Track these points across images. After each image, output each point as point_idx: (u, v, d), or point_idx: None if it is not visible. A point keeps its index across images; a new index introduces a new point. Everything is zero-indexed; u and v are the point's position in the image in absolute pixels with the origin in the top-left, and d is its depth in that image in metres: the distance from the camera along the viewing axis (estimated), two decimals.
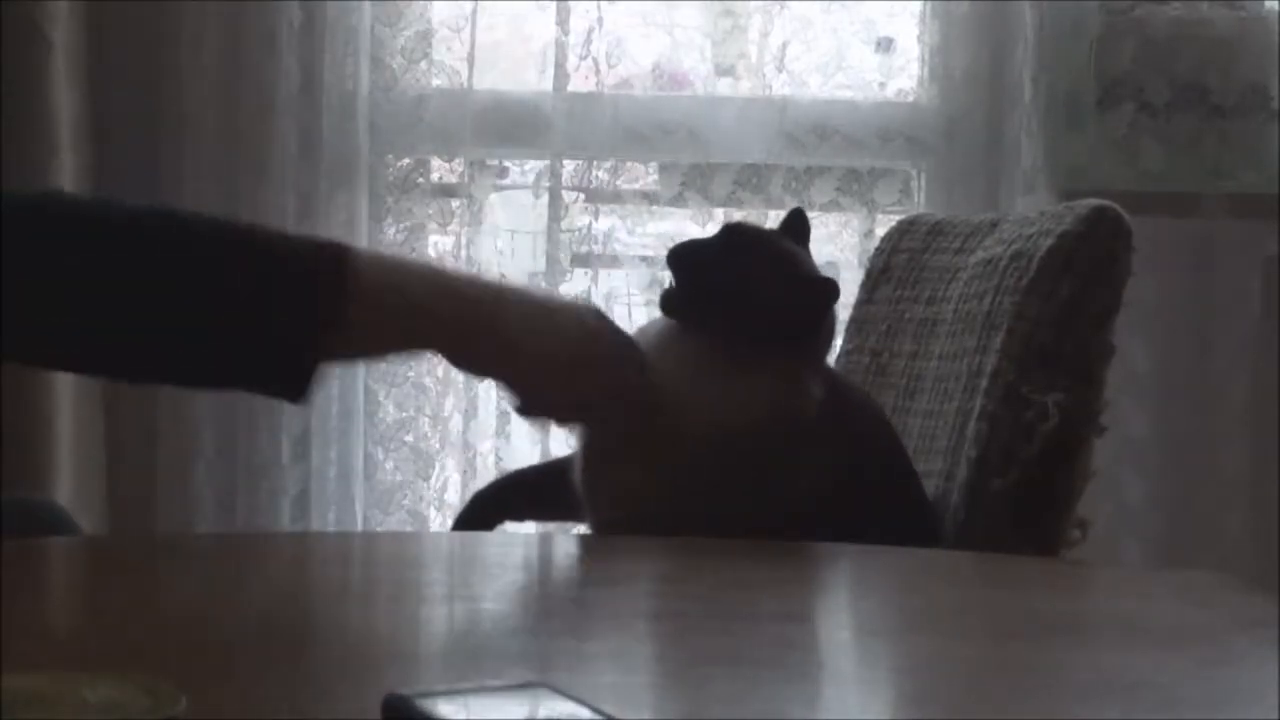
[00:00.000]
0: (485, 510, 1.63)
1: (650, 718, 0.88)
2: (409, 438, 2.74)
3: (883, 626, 1.19)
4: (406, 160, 2.75)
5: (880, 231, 2.49)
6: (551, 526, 2.10)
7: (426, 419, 2.75)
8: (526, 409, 1.47)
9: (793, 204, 2.77)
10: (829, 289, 1.55)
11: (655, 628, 1.09)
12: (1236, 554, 2.64)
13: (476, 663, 1.03)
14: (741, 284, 1.50)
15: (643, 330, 1.56)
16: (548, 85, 2.74)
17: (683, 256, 1.51)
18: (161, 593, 1.19)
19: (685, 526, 1.40)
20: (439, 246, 2.79)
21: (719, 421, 1.45)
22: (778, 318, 1.50)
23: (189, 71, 2.65)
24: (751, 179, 2.77)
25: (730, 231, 1.56)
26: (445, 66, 2.75)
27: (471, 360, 1.44)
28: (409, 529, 2.68)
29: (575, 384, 1.43)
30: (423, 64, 2.73)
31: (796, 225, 1.61)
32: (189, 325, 1.32)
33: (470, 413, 2.75)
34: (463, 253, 2.75)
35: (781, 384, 1.48)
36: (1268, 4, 2.72)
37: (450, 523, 2.75)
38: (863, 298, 2.02)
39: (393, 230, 2.73)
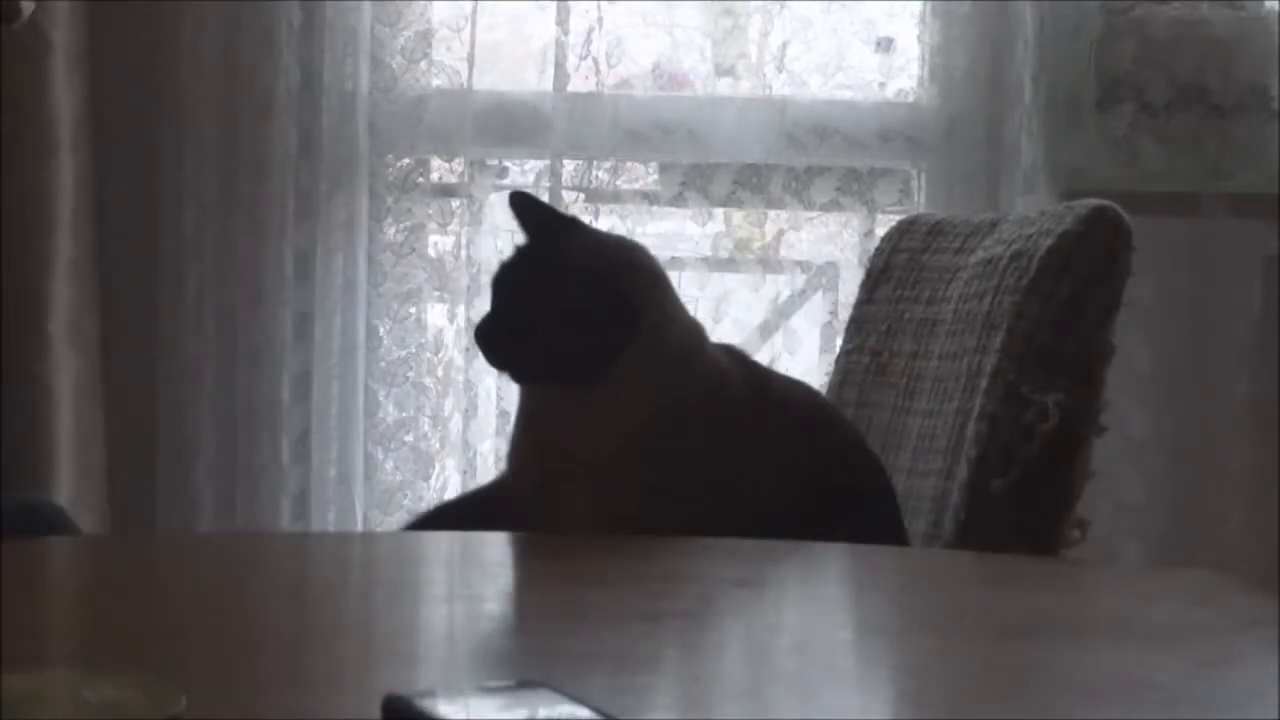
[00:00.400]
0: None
1: (650, 718, 0.88)
2: (409, 438, 2.74)
3: (883, 626, 1.19)
4: (406, 160, 2.75)
5: (880, 231, 2.49)
6: None
7: (426, 419, 2.75)
8: None
9: (793, 204, 2.79)
10: (590, 282, 1.48)
11: (655, 628, 1.09)
12: (1236, 554, 2.64)
13: (476, 663, 1.03)
14: (533, 338, 1.47)
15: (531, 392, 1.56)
16: (548, 85, 2.74)
17: (484, 347, 1.49)
18: (161, 593, 1.19)
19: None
20: (439, 246, 2.79)
21: (603, 453, 1.46)
22: (581, 341, 1.47)
23: (189, 71, 2.65)
24: (751, 179, 2.77)
25: (496, 286, 1.52)
26: (445, 66, 2.75)
27: None
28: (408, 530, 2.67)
29: None
30: (423, 64, 2.73)
31: (525, 213, 1.54)
32: None
33: (470, 413, 2.75)
34: (463, 253, 2.75)
35: (638, 394, 1.47)
36: (1268, 4, 2.72)
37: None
38: (863, 298, 2.02)
39: (393, 230, 2.73)
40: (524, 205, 1.54)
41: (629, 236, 1.57)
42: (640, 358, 1.48)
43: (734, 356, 1.61)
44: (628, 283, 1.50)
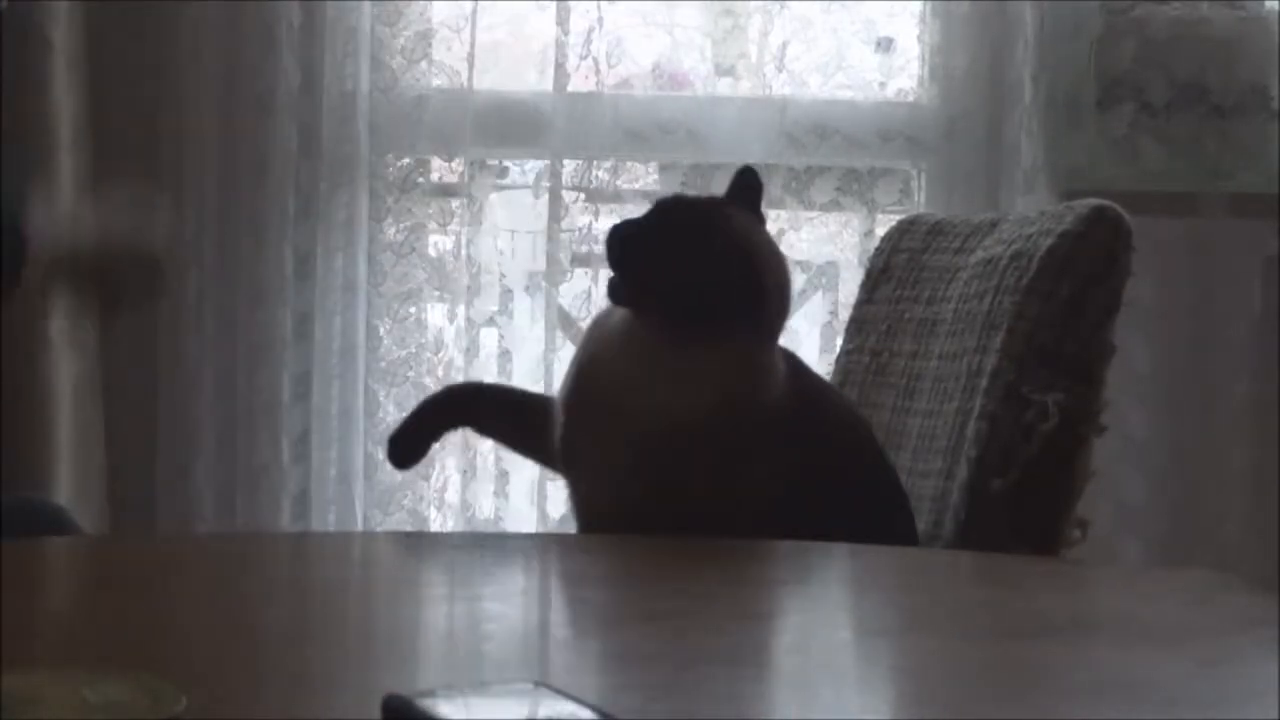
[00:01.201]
0: (436, 414, 1.60)
1: (650, 718, 0.88)
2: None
3: (883, 626, 1.19)
4: (406, 160, 2.75)
5: (880, 231, 2.49)
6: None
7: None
8: None
9: (793, 204, 2.78)
10: (746, 257, 1.48)
11: (655, 628, 1.09)
12: (1236, 554, 2.64)
13: (476, 663, 1.03)
14: (671, 265, 1.46)
15: (598, 322, 1.55)
16: (548, 85, 2.74)
17: (616, 241, 1.49)
18: (161, 593, 1.19)
19: (651, 522, 1.40)
20: (439, 246, 2.79)
21: (665, 416, 1.44)
22: (711, 295, 1.46)
23: (189, 71, 2.65)
24: None
25: (661, 209, 1.53)
26: (445, 66, 2.75)
27: None
28: (409, 529, 2.68)
29: None
30: (423, 64, 2.72)
31: (745, 186, 1.56)
32: None
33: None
34: (463, 253, 2.75)
35: (730, 371, 1.46)
36: (1268, 4, 2.72)
37: (450, 524, 2.76)
38: (863, 298, 2.02)
39: (393, 230, 2.73)
40: (747, 176, 1.56)
41: None
42: (740, 348, 1.47)
43: (789, 359, 1.57)
44: (773, 281, 1.50)
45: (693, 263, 1.47)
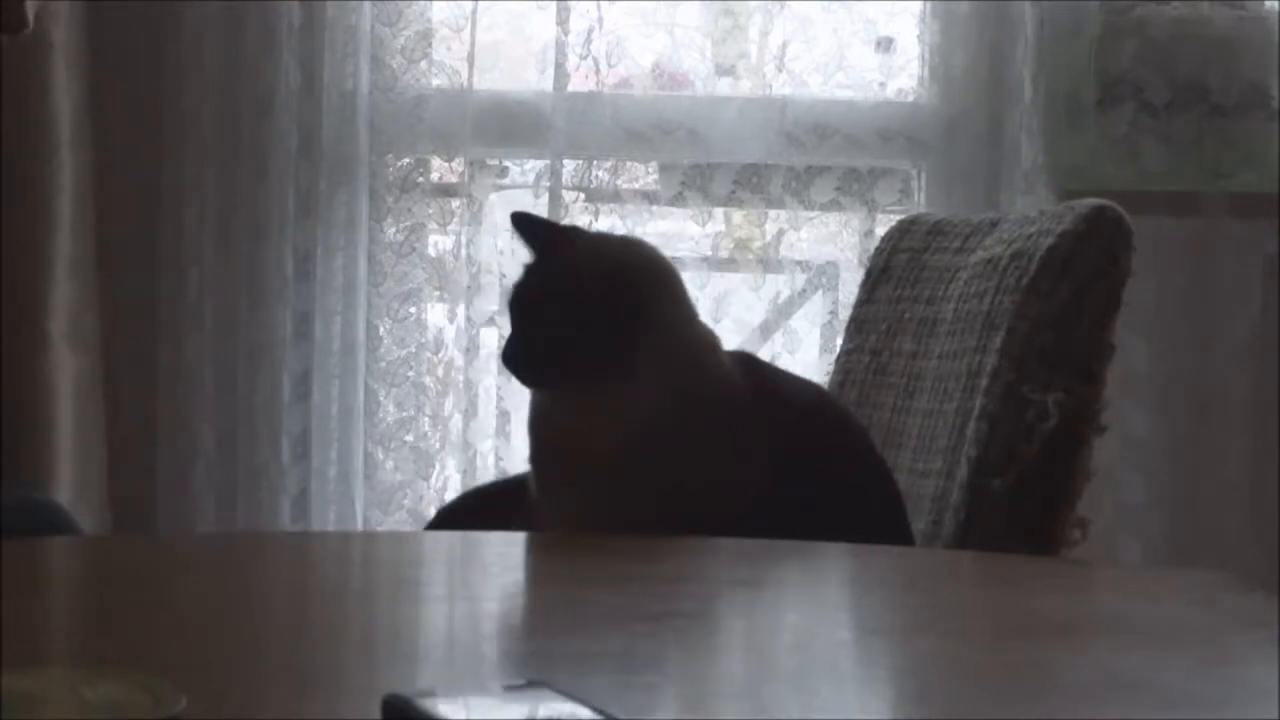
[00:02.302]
0: (452, 524, 1.67)
1: (650, 718, 0.88)
2: (409, 438, 2.74)
3: (883, 626, 1.19)
4: (406, 160, 2.75)
5: (880, 231, 2.49)
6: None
7: (426, 419, 2.75)
8: None
9: (793, 204, 2.78)
10: (606, 281, 1.50)
11: (655, 628, 1.09)
12: (1236, 554, 2.64)
13: (476, 663, 1.03)
14: (539, 347, 1.50)
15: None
16: (548, 85, 2.74)
17: (505, 360, 1.52)
18: (161, 593, 1.19)
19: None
20: (439, 246, 2.79)
21: (601, 447, 1.47)
22: (584, 341, 1.48)
23: (189, 71, 2.65)
24: (751, 179, 2.77)
25: (512, 305, 1.55)
26: (445, 66, 2.75)
27: None
28: (409, 529, 2.68)
29: None
30: (423, 64, 2.72)
31: (525, 227, 1.59)
32: None
33: (470, 413, 2.75)
34: (463, 252, 2.75)
35: (647, 382, 1.48)
36: (1268, 4, 2.72)
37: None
38: (863, 297, 2.02)
39: (393, 230, 2.73)
40: (525, 223, 1.57)
41: (637, 237, 1.58)
42: (651, 354, 1.48)
43: (744, 361, 1.61)
44: (636, 281, 1.51)
45: (558, 332, 1.49)
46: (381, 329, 2.73)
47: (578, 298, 1.49)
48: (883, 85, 2.83)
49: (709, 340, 1.57)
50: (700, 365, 1.53)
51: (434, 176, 2.79)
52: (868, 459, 1.61)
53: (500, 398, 2.74)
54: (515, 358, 1.50)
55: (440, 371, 2.76)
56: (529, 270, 1.56)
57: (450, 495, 2.77)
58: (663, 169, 2.83)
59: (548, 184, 2.75)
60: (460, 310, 2.74)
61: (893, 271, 1.97)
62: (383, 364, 2.73)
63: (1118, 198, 1.73)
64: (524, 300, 1.53)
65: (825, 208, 2.81)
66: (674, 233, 2.82)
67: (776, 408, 1.55)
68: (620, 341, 1.48)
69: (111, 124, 2.66)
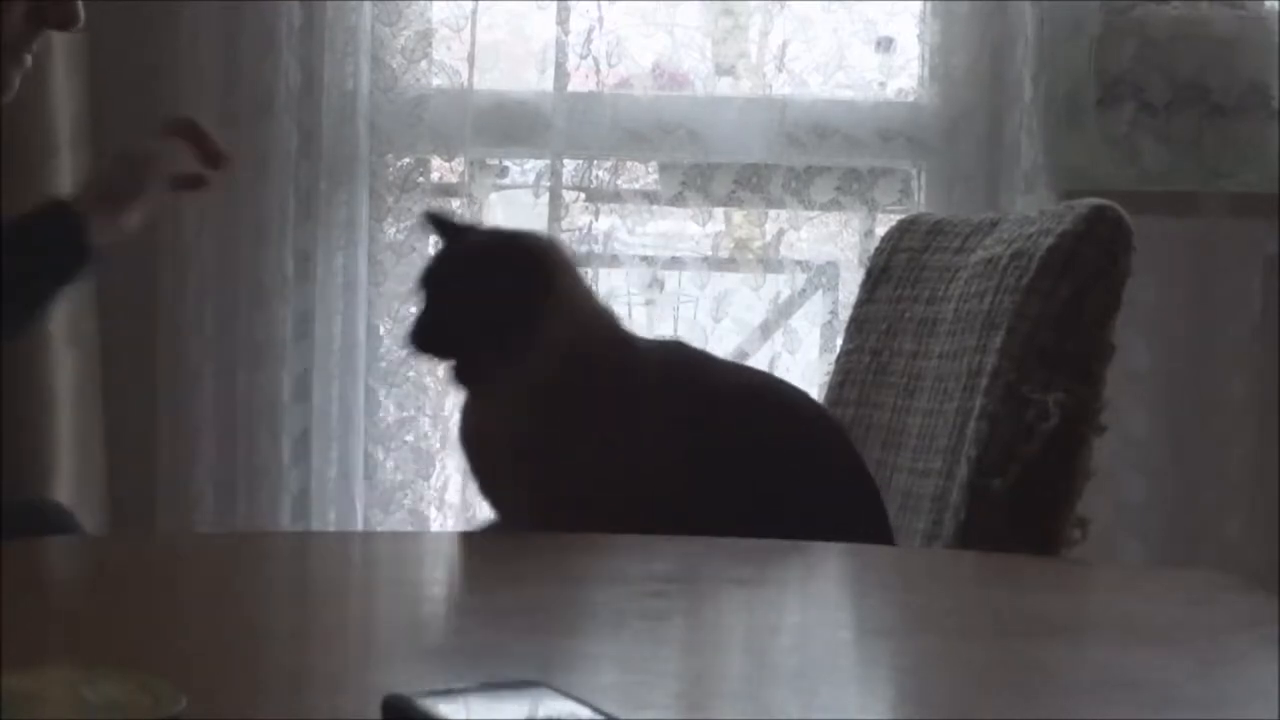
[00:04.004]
0: None
1: (650, 718, 0.88)
2: (409, 437, 2.74)
3: (883, 626, 1.19)
4: (406, 160, 2.75)
5: (880, 231, 2.49)
6: None
7: (426, 419, 2.75)
8: None
9: (793, 204, 2.78)
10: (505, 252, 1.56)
11: (655, 628, 1.09)
12: (1236, 554, 2.64)
13: (476, 663, 1.03)
14: (437, 327, 1.56)
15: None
16: (548, 85, 2.74)
17: (408, 341, 1.58)
18: (161, 593, 1.19)
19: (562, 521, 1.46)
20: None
21: (497, 437, 1.54)
22: (473, 321, 1.54)
23: (189, 71, 2.65)
24: (751, 179, 2.77)
25: (418, 284, 1.60)
26: (445, 66, 2.75)
27: None
28: (409, 529, 2.68)
29: None
30: (423, 64, 2.72)
31: (440, 228, 1.65)
32: None
33: None
34: None
35: (538, 361, 1.52)
36: (1268, 4, 2.72)
37: (450, 524, 2.76)
38: (863, 297, 2.02)
39: (393, 230, 2.73)
40: (433, 219, 1.65)
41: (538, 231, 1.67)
42: (551, 323, 1.53)
43: (671, 347, 1.65)
44: (534, 255, 1.56)
45: (446, 313, 1.56)
46: (381, 329, 2.73)
47: (479, 272, 1.54)
48: (883, 85, 2.83)
49: (609, 317, 1.61)
50: (599, 333, 1.57)
51: (434, 176, 2.79)
52: (817, 444, 1.60)
53: None
54: (419, 334, 1.55)
55: (440, 371, 2.75)
56: (434, 255, 1.63)
57: (450, 495, 2.77)
58: (663, 169, 2.82)
59: (548, 184, 2.75)
60: None
61: (893, 271, 1.97)
62: (383, 364, 2.73)
63: (1118, 198, 1.73)
64: (429, 279, 1.59)
65: (825, 208, 2.81)
66: (674, 233, 2.82)
67: (699, 390, 1.56)
68: (520, 310, 1.53)
69: (111, 124, 2.66)
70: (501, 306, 1.52)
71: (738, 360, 2.77)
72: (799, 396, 1.68)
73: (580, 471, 1.50)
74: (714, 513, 1.45)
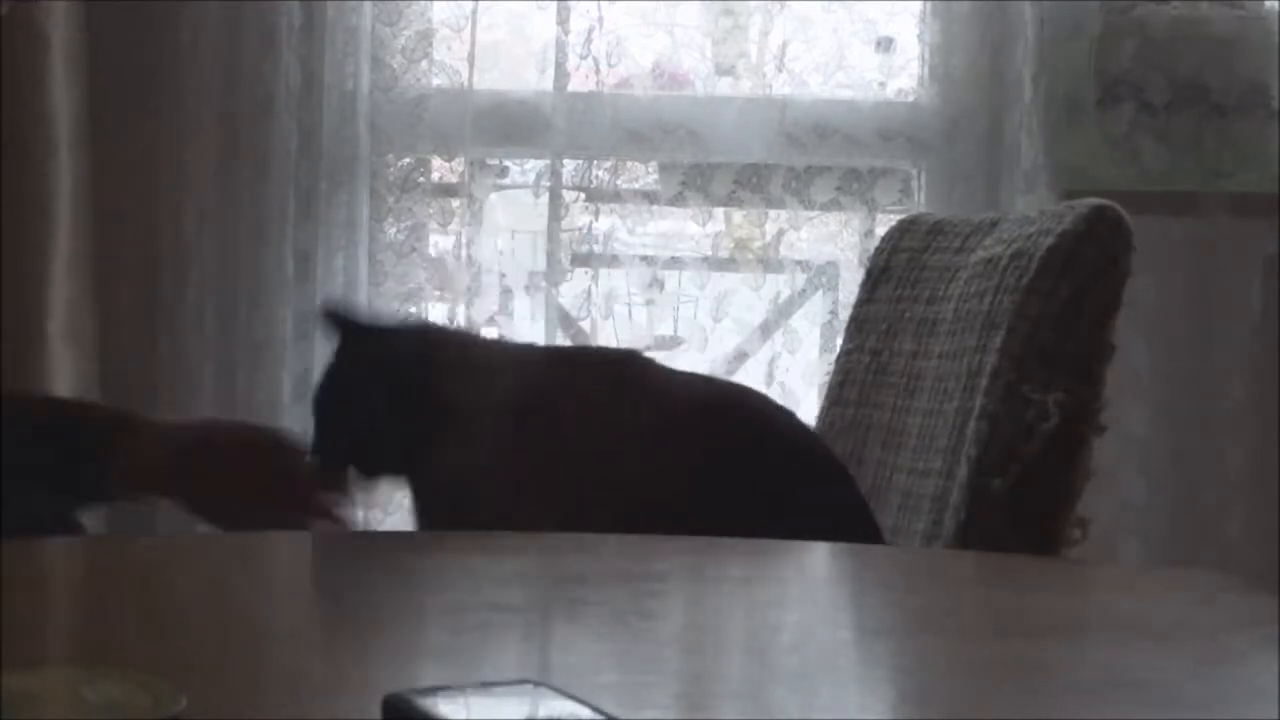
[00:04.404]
0: None
1: (650, 718, 0.88)
2: None
3: (883, 626, 1.19)
4: (406, 160, 2.75)
5: (880, 231, 2.49)
6: None
7: None
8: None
9: (793, 204, 2.78)
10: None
11: (655, 628, 1.09)
12: (1236, 554, 2.64)
13: (476, 663, 1.03)
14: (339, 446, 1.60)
15: None
16: (548, 85, 2.74)
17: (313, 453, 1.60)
18: (161, 593, 1.19)
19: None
20: (439, 246, 2.79)
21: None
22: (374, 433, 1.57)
23: (189, 71, 2.65)
24: (751, 179, 2.77)
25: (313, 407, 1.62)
26: (445, 66, 2.75)
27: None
28: (409, 529, 2.67)
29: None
30: (423, 64, 2.73)
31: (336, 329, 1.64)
32: None
33: None
34: (463, 252, 2.75)
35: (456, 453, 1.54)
36: (1268, 4, 2.72)
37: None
38: (863, 297, 2.02)
39: (393, 230, 2.73)
40: (329, 319, 1.65)
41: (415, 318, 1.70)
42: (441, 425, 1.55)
43: (623, 359, 1.66)
44: (400, 380, 1.57)
45: (346, 439, 1.60)
46: None
47: (360, 393, 1.57)
48: (883, 85, 2.83)
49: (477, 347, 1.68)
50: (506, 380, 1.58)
51: (434, 176, 2.79)
52: (756, 436, 1.61)
53: None
54: (319, 453, 1.59)
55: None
56: (325, 371, 1.64)
57: None
58: (663, 169, 2.83)
59: (548, 184, 2.75)
60: (460, 310, 2.74)
61: (893, 271, 1.97)
62: None
63: (1118, 198, 1.73)
64: (317, 402, 1.62)
65: (825, 208, 2.81)
66: (674, 233, 2.82)
67: (649, 402, 1.56)
68: (405, 436, 1.56)
69: (111, 124, 2.66)
70: (387, 431, 1.55)
71: (738, 360, 2.77)
72: (771, 408, 1.69)
73: (558, 494, 1.51)
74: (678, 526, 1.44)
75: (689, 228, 2.81)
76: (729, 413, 1.60)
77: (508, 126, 2.75)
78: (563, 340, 2.72)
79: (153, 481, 1.66)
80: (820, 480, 1.59)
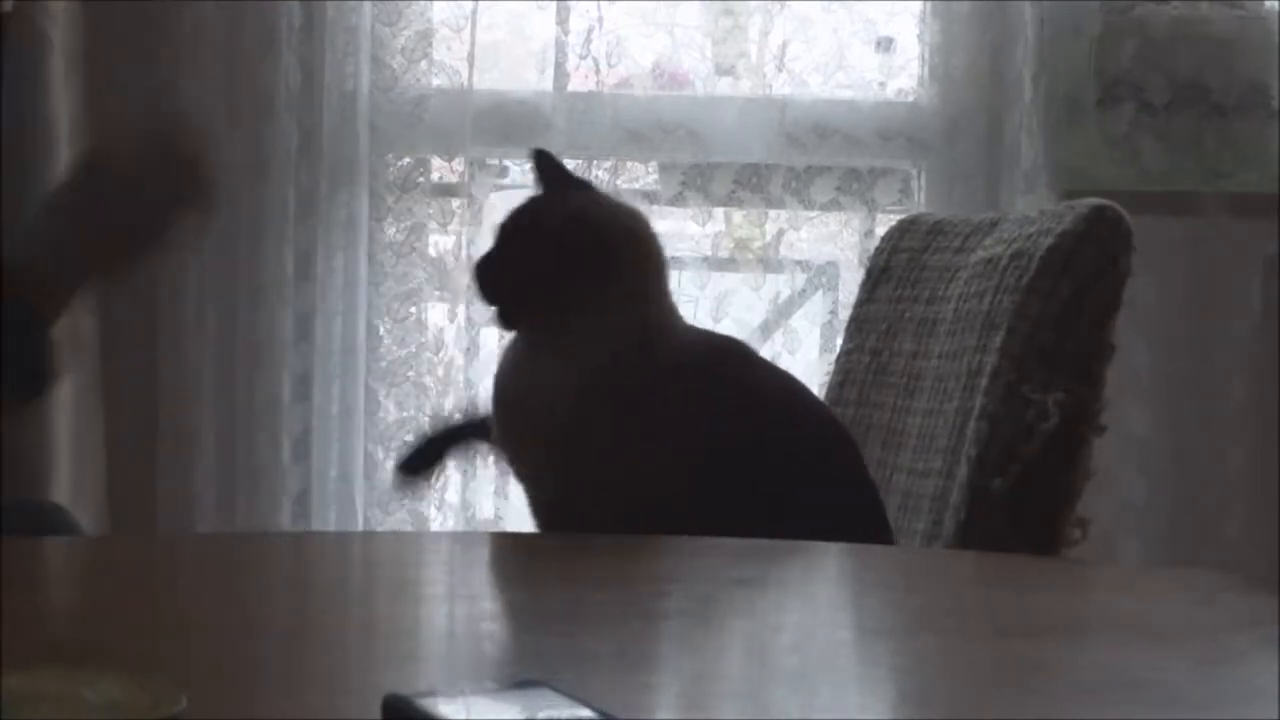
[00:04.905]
0: (431, 454, 1.72)
1: (650, 718, 0.88)
2: (409, 437, 2.74)
3: (883, 626, 1.19)
4: (406, 160, 2.75)
5: (880, 231, 2.49)
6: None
7: (426, 419, 2.75)
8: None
9: (793, 204, 2.79)
10: (579, 228, 1.53)
11: (655, 628, 1.09)
12: (1236, 554, 2.64)
13: (476, 663, 1.03)
14: (514, 272, 1.54)
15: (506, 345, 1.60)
16: (548, 85, 2.74)
17: (474, 278, 1.56)
18: (161, 593, 1.19)
19: (580, 506, 1.48)
20: (439, 246, 2.79)
21: (540, 407, 1.51)
22: (554, 278, 1.51)
23: (189, 71, 2.65)
24: (751, 179, 2.77)
25: (498, 228, 1.58)
26: (445, 66, 2.75)
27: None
28: (409, 529, 2.68)
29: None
30: (423, 64, 2.73)
31: (548, 168, 1.61)
32: None
33: (470, 412, 2.75)
34: (463, 252, 2.75)
35: (593, 345, 1.51)
36: (1268, 4, 2.72)
37: (450, 524, 2.76)
38: (863, 297, 2.02)
39: (393, 230, 2.73)
40: (543, 160, 1.61)
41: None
42: (602, 316, 1.51)
43: (728, 347, 1.62)
44: (614, 242, 1.54)
45: (529, 259, 1.53)
46: (382, 329, 2.73)
47: (557, 239, 1.52)
48: (883, 85, 2.83)
49: (674, 315, 1.59)
50: (660, 328, 1.55)
51: (434, 176, 2.79)
52: (837, 454, 1.60)
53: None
54: (482, 271, 1.55)
55: (440, 371, 2.76)
56: (532, 199, 1.59)
57: (450, 495, 2.77)
58: (663, 169, 2.83)
59: None
60: (460, 310, 2.74)
61: (893, 271, 1.97)
62: (383, 364, 2.73)
63: (1118, 198, 1.73)
64: (513, 224, 1.57)
65: (825, 208, 2.81)
66: (674, 233, 2.81)
67: (736, 383, 1.56)
68: (576, 291, 1.51)
69: (111, 124, 2.66)
70: (570, 273, 1.51)
71: None
72: (819, 405, 1.68)
73: (611, 455, 1.50)
74: (717, 513, 1.45)
75: (689, 228, 2.81)
76: (795, 408, 1.61)
77: (508, 126, 2.75)
78: None
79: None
80: (846, 481, 1.59)
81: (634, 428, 1.50)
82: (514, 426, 1.56)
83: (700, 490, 1.47)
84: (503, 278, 1.54)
